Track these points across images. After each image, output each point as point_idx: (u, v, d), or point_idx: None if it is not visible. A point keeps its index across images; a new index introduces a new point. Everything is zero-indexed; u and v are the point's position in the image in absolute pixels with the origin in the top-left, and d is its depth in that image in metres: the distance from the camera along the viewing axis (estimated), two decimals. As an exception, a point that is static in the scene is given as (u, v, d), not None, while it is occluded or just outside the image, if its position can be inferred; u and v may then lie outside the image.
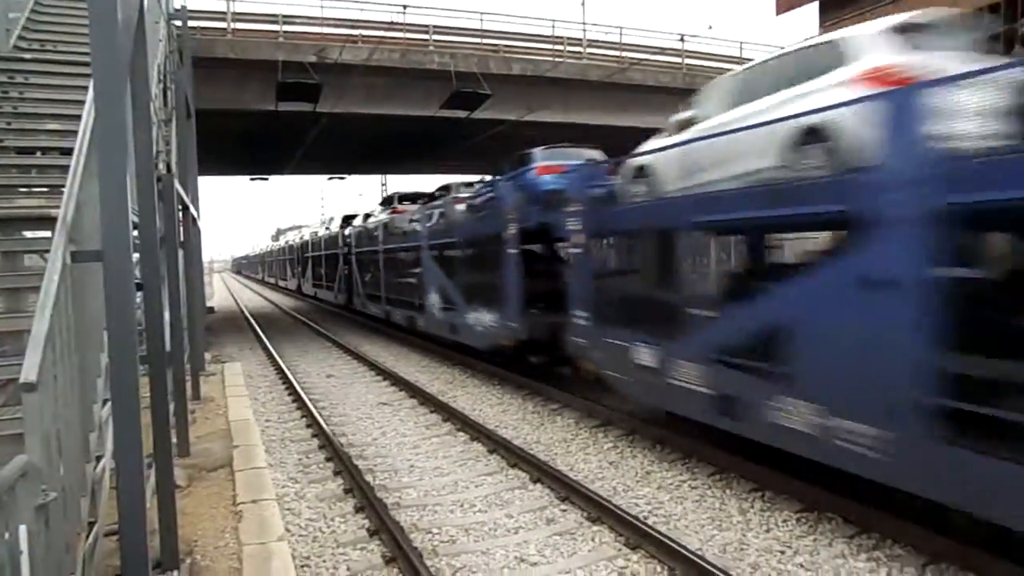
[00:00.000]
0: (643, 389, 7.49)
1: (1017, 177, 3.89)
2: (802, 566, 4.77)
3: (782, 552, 4.99)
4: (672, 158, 7.45)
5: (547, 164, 12.24)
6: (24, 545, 2.03)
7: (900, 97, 4.59)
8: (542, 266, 11.36)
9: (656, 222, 7.64)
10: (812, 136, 5.56)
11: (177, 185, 8.03)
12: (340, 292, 24.49)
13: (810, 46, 6.38)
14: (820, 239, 7.72)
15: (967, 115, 4.36)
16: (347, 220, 26.13)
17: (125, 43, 3.43)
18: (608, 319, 8.18)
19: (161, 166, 7.17)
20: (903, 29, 5.58)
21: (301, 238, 36.92)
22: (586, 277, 8.70)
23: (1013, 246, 5.87)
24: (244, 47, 16.54)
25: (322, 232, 30.28)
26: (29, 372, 2.35)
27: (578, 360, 9.24)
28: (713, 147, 6.69)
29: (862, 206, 4.73)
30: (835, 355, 5.01)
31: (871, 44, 5.62)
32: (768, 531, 5.36)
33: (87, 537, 2.95)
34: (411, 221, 16.41)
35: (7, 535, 1.98)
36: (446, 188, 17.29)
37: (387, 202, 22.05)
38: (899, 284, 4.47)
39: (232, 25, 16.94)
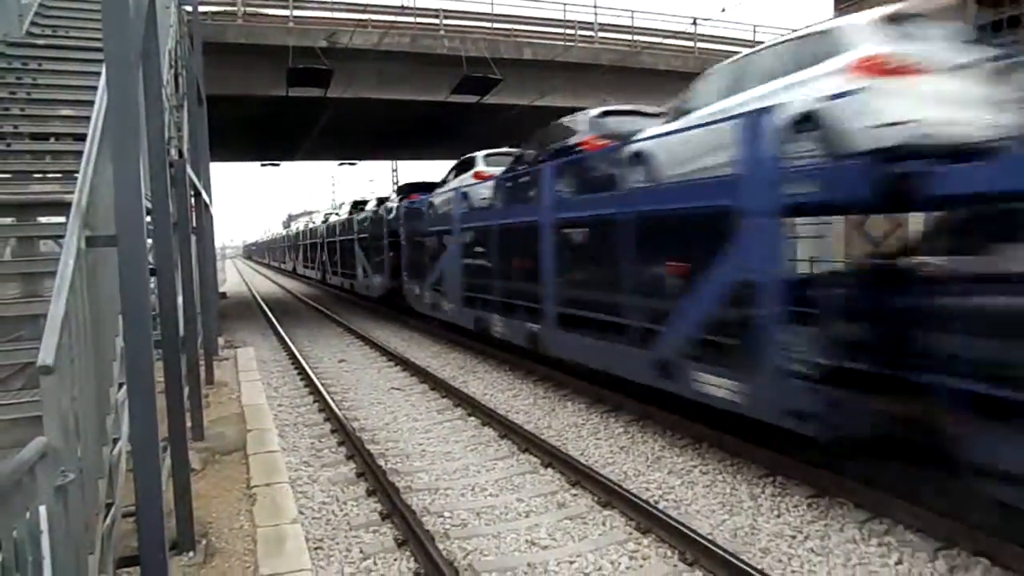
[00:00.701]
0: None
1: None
2: (813, 551, 4.78)
3: (793, 537, 4.99)
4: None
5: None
6: (44, 525, 2.07)
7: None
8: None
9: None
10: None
11: (189, 171, 8.06)
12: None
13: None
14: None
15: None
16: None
17: (137, 28, 3.44)
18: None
19: (173, 152, 7.20)
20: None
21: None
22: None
23: None
24: (254, 32, 16.53)
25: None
26: (46, 355, 2.38)
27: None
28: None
29: None
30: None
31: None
32: (779, 516, 5.36)
33: (105, 518, 3.00)
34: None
35: (28, 515, 2.01)
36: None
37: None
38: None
39: (243, 9, 16.91)
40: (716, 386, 6.21)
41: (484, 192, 12.74)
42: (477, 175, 13.98)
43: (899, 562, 4.55)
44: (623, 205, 7.79)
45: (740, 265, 5.91)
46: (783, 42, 6.63)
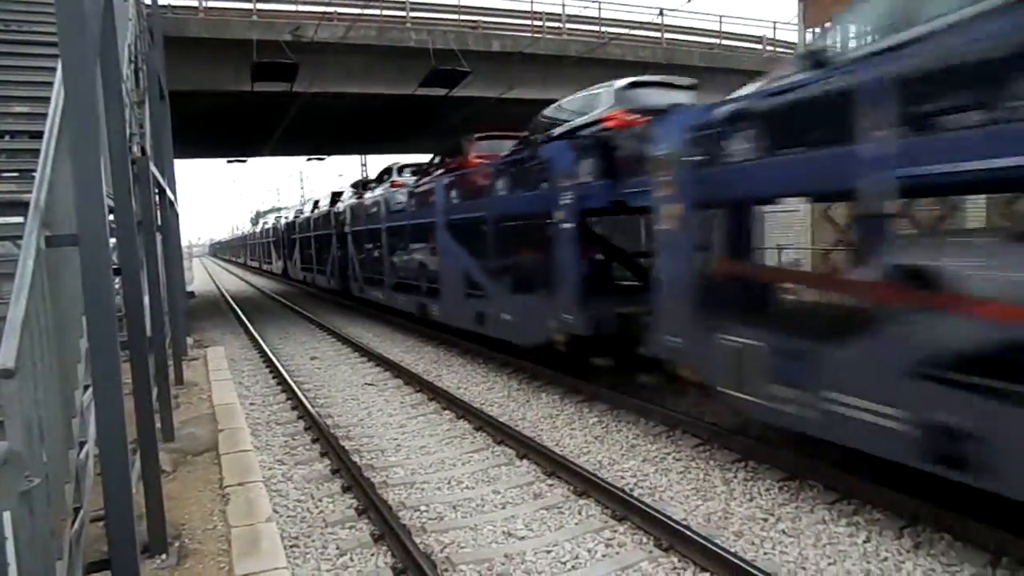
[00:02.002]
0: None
1: None
2: (784, 532, 4.87)
3: (765, 520, 5.09)
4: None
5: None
6: (9, 531, 2.02)
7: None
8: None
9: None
10: None
11: (153, 168, 7.90)
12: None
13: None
14: None
15: None
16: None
17: (93, 21, 3.35)
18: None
19: (135, 149, 7.05)
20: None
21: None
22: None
23: None
24: (217, 26, 16.22)
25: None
26: (7, 359, 2.32)
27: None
28: None
29: None
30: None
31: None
32: (751, 500, 5.46)
33: (73, 523, 2.94)
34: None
35: (-9, 522, 1.97)
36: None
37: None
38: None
39: (204, 3, 16.58)
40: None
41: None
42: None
43: (867, 540, 4.66)
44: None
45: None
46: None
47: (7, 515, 2.03)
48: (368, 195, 18.96)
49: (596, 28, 20.85)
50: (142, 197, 6.33)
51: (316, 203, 27.89)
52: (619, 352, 8.61)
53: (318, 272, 24.12)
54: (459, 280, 11.34)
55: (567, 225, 8.09)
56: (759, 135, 5.70)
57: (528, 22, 20.11)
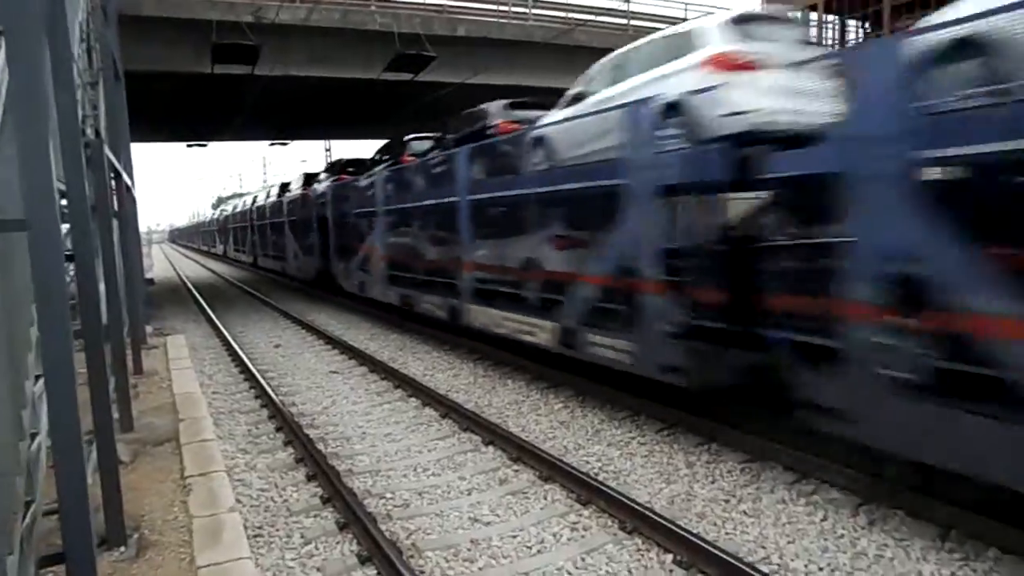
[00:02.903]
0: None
1: None
2: (745, 513, 4.98)
3: (727, 501, 5.19)
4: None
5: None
6: (-45, 526, 1.96)
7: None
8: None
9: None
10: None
11: (108, 151, 7.65)
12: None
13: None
14: None
15: None
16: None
17: (39, -2, 3.21)
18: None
19: (89, 131, 6.83)
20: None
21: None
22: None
23: None
24: (174, 5, 15.71)
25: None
26: (-50, 348, 2.24)
27: None
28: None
29: None
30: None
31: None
32: (714, 482, 5.56)
33: (24, 516, 2.86)
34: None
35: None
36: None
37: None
38: None
39: (160, -19, 16.03)
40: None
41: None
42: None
43: (824, 519, 4.80)
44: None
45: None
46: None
47: (-48, 509, 1.96)
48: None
49: (562, 14, 20.77)
50: (96, 181, 6.14)
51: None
52: None
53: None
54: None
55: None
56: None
57: (494, 7, 19.95)
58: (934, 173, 4.57)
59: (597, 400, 7.86)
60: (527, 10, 20.28)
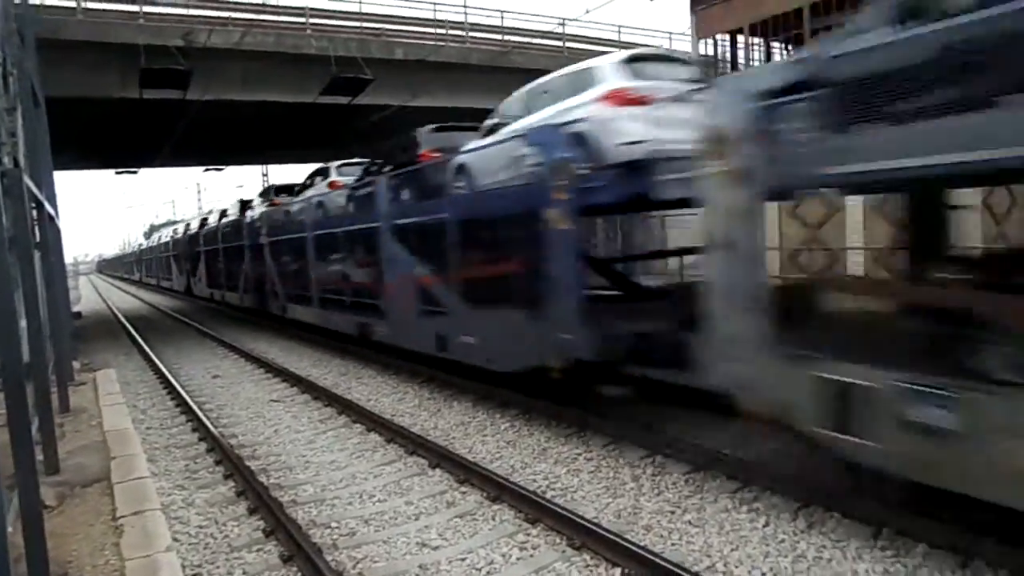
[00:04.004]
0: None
1: None
2: (690, 523, 5.06)
3: (672, 512, 5.27)
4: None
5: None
6: None
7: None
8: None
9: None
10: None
11: (28, 180, 7.33)
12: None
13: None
14: None
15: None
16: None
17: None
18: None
19: (6, 160, 6.55)
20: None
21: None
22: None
23: None
24: (99, 29, 15.26)
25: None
26: None
27: None
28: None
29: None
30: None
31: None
32: (659, 494, 5.64)
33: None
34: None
35: None
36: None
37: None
38: None
39: (83, 4, 15.56)
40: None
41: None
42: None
43: (766, 524, 4.92)
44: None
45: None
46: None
47: None
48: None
49: (499, 37, 21.06)
50: (15, 211, 5.86)
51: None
52: None
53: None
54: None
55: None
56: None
57: (432, 30, 20.08)
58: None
59: (543, 418, 7.89)
60: (464, 33, 20.48)
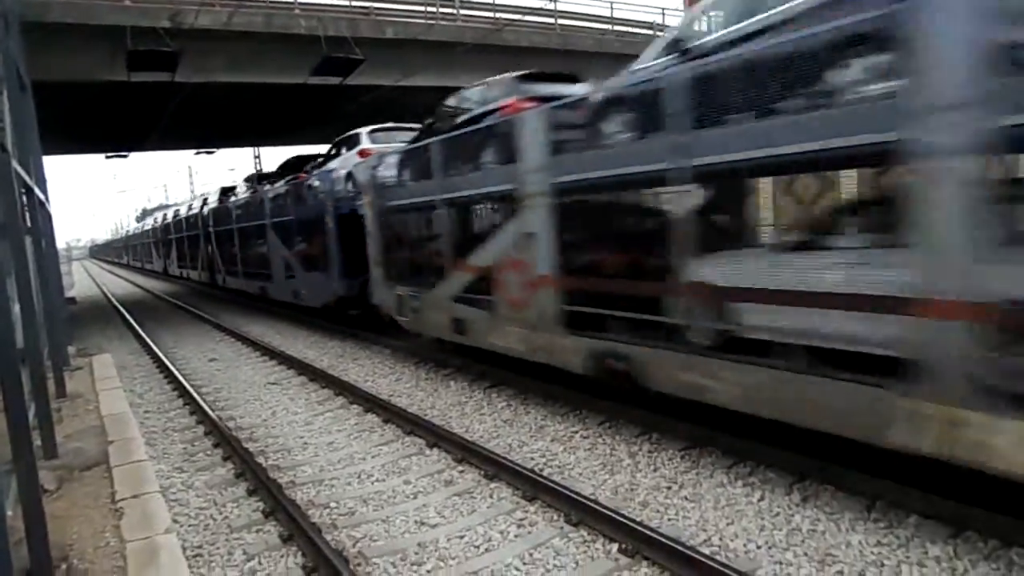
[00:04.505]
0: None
1: None
2: (687, 498, 5.12)
3: (668, 488, 5.32)
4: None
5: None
6: None
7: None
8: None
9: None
10: None
11: (16, 165, 7.27)
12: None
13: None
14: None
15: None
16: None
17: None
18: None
19: (-5, 145, 6.46)
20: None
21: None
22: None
23: None
24: (83, 11, 14.98)
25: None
26: None
27: None
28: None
29: None
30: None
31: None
32: (656, 470, 5.69)
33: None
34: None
35: None
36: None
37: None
38: None
39: (66, -14, 15.26)
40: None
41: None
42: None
43: (761, 499, 4.97)
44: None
45: None
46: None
47: None
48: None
49: (491, 14, 20.82)
50: (4, 197, 5.82)
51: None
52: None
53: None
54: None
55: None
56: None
57: (422, 8, 19.83)
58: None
59: (540, 397, 7.93)
60: (455, 11, 20.24)
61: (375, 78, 18.11)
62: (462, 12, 20.41)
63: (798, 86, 4.52)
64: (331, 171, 14.13)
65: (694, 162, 5.15)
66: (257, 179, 23.05)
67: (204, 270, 25.92)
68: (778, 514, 4.72)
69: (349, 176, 13.40)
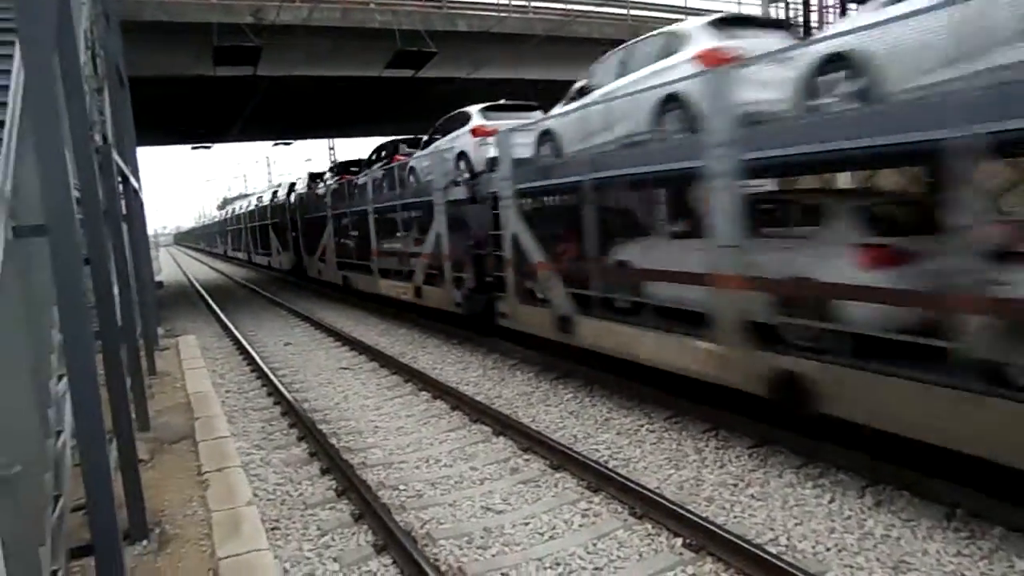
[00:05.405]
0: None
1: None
2: (754, 496, 5.05)
3: (735, 485, 5.26)
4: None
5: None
6: (-8, 518, 2.05)
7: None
8: None
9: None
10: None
11: (116, 156, 7.76)
12: None
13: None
14: None
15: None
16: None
17: (49, 6, 3.29)
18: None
19: (97, 137, 6.92)
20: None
21: None
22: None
23: None
24: (175, 9, 15.79)
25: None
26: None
27: None
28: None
29: None
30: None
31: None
32: (722, 467, 5.63)
33: (53, 510, 2.96)
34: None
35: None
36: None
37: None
38: None
39: (161, -15, 16.10)
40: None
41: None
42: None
43: (832, 500, 4.86)
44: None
45: None
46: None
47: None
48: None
49: (562, 6, 20.75)
50: (106, 186, 6.23)
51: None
52: None
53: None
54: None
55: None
56: None
57: (494, 1, 19.95)
58: None
59: (606, 389, 7.94)
60: (526, 3, 20.26)
61: (447, 71, 18.35)
62: (533, 4, 20.41)
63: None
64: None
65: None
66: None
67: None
68: (849, 517, 4.61)
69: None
